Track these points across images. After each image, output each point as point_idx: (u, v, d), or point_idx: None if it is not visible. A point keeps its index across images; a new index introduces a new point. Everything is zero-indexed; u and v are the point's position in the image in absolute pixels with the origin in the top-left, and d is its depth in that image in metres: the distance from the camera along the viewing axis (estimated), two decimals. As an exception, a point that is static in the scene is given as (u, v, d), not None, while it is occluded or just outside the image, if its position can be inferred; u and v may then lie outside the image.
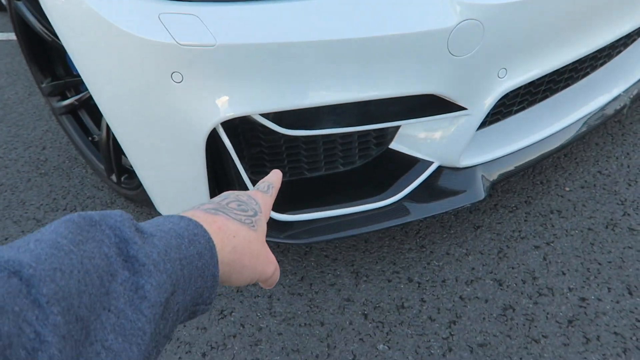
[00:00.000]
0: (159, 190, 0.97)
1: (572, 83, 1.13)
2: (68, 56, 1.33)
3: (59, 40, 1.15)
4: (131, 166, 1.20)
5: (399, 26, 0.75)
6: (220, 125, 0.81)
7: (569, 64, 0.98)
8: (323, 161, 0.96)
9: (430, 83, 0.82)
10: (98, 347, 0.27)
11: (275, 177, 0.56)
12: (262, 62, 0.74)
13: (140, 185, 1.12)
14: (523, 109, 1.07)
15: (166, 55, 0.73)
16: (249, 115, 0.80)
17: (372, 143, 0.96)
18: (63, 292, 0.25)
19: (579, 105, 1.12)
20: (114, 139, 1.13)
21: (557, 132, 1.07)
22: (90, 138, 1.37)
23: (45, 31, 1.19)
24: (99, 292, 0.28)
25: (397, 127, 0.93)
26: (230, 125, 0.83)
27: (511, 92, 0.96)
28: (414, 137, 0.95)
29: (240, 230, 0.42)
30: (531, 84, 0.99)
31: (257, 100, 0.77)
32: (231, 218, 0.42)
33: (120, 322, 0.28)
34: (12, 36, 2.91)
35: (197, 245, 0.36)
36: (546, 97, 1.10)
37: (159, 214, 1.07)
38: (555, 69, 0.92)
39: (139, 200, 1.22)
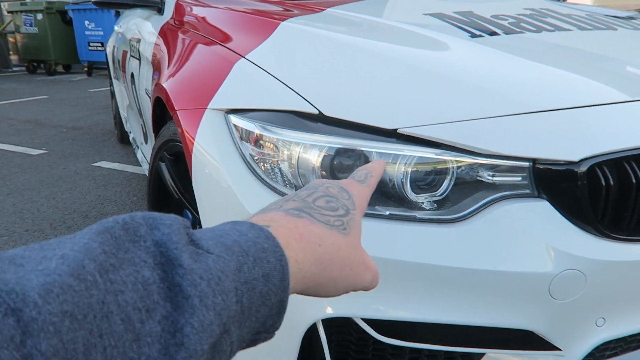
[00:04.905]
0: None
1: (669, 337, 1.10)
2: (185, 212, 1.50)
3: (184, 199, 1.32)
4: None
5: (508, 264, 0.80)
6: (320, 322, 0.86)
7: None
8: (406, 369, 0.96)
9: (528, 320, 0.84)
10: None
11: (377, 166, 0.49)
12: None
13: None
14: (615, 355, 1.04)
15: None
16: (351, 318, 0.85)
17: (458, 361, 0.96)
18: (66, 351, 0.19)
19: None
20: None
21: (652, 386, 1.02)
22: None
23: (175, 189, 1.37)
24: (122, 342, 0.21)
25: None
26: (328, 322, 0.88)
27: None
28: (500, 364, 0.94)
29: (328, 236, 0.36)
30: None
31: (362, 306, 0.83)
32: (316, 221, 0.36)
33: None
34: (126, 167, 3.29)
35: (264, 265, 0.30)
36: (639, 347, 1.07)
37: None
38: (654, 327, 0.92)
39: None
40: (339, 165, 0.86)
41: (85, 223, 2.36)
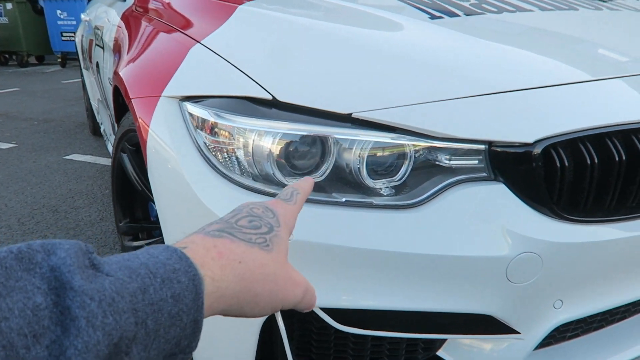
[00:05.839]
0: (207, 354, 0.99)
1: (630, 316, 1.11)
2: (150, 205, 1.47)
3: (147, 191, 1.29)
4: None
5: (465, 249, 0.80)
6: (278, 312, 0.85)
7: (628, 304, 0.98)
8: (369, 357, 0.96)
9: (487, 304, 0.84)
10: None
11: (305, 184, 0.50)
12: (330, 262, 0.80)
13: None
14: (576, 336, 1.05)
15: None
16: (309, 307, 0.83)
17: (420, 347, 0.96)
18: None
19: (636, 339, 1.09)
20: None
21: (614, 365, 1.03)
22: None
23: (138, 181, 1.34)
24: None
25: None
26: (287, 313, 0.86)
27: (566, 321, 0.96)
28: (463, 347, 0.94)
29: (248, 253, 0.36)
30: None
31: (321, 295, 0.81)
32: (237, 239, 0.36)
33: None
34: (98, 160, 3.23)
35: (173, 286, 0.30)
36: (602, 327, 1.08)
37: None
38: (612, 307, 0.92)
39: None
40: (294, 152, 0.84)
41: (54, 218, 2.31)
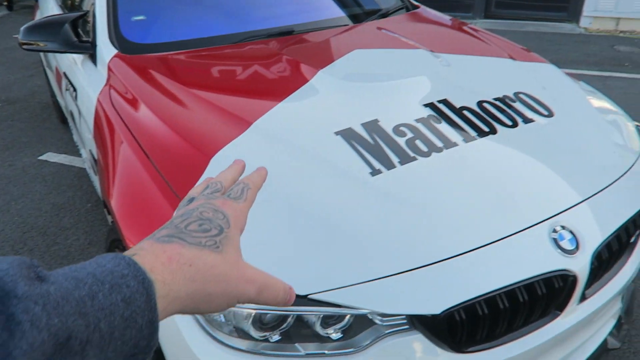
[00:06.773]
0: None
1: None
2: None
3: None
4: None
5: (389, 385, 1.12)
6: None
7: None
8: None
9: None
10: None
11: (256, 176, 0.51)
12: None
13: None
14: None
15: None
16: None
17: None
18: None
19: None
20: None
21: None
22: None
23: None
24: None
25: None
26: None
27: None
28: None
29: (199, 256, 0.38)
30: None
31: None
32: (187, 244, 0.38)
33: None
34: (74, 161, 3.35)
35: (122, 290, 0.32)
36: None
37: None
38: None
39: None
40: (270, 318, 1.12)
41: (45, 243, 2.52)
